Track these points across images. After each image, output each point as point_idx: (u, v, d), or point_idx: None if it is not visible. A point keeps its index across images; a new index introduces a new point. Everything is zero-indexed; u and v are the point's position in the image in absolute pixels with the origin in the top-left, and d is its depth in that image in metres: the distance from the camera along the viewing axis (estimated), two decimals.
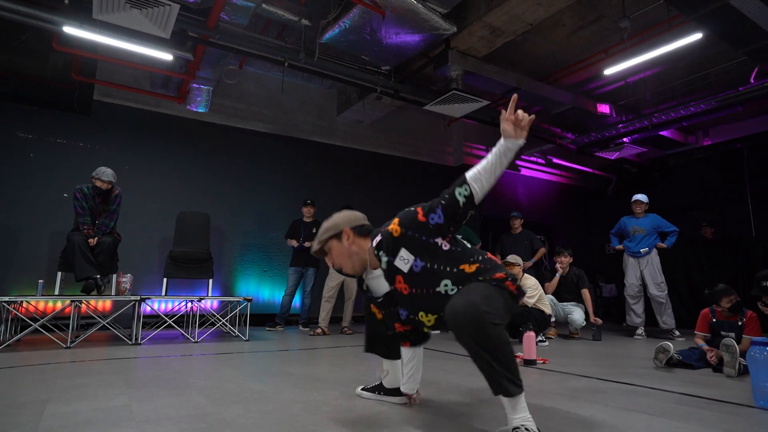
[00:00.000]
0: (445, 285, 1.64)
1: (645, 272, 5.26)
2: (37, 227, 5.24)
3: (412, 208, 1.71)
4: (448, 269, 1.65)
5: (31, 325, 3.82)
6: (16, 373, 2.62)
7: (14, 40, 5.47)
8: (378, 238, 1.75)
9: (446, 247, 1.67)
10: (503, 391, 1.44)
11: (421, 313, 1.73)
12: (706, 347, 3.08)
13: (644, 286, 5.29)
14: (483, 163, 1.63)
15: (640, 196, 5.47)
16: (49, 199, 5.30)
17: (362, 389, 2.15)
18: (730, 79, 6.90)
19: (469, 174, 1.63)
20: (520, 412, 1.45)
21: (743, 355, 2.74)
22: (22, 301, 4.08)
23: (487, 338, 1.43)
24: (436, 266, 1.65)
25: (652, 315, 5.30)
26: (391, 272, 1.72)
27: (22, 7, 4.37)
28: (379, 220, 1.93)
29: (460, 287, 1.62)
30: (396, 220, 1.72)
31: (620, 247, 5.47)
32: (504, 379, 1.43)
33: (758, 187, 8.22)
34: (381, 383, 2.08)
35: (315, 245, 1.86)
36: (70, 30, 4.51)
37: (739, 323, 3.12)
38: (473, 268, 1.64)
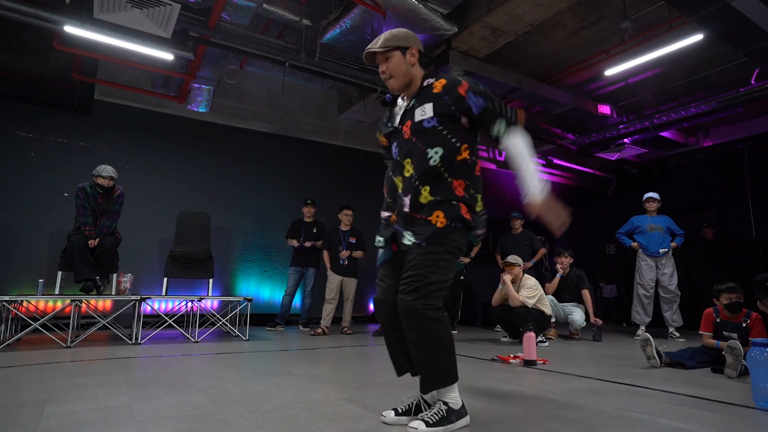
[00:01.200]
0: (435, 152, 1.72)
1: (665, 272, 5.22)
2: (38, 227, 5.24)
3: (461, 78, 1.76)
4: (448, 147, 1.72)
5: (32, 325, 3.82)
6: (16, 372, 2.62)
7: (15, 39, 5.47)
8: (431, 80, 1.81)
9: (459, 142, 1.74)
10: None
11: (407, 160, 1.78)
12: (723, 344, 3.02)
13: (656, 285, 5.27)
14: (527, 157, 1.70)
15: (653, 194, 5.42)
16: (50, 199, 5.31)
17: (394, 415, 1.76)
18: (730, 80, 6.90)
19: (519, 138, 1.71)
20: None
21: (745, 356, 2.74)
22: (22, 301, 4.08)
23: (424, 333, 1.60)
24: (444, 132, 1.73)
25: (655, 314, 5.30)
26: (406, 114, 1.81)
27: (24, 6, 4.38)
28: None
29: (442, 170, 1.71)
30: (443, 80, 1.77)
31: (635, 244, 5.37)
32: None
33: (759, 188, 8.22)
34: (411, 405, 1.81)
35: (379, 46, 1.81)
36: (71, 29, 4.51)
37: (744, 324, 3.11)
38: (460, 191, 1.72)
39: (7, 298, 3.66)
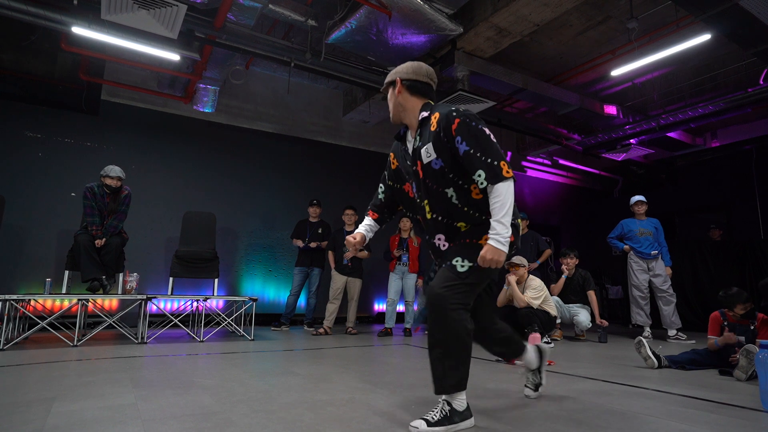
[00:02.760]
0: (452, 193, 1.75)
1: (658, 273, 5.22)
2: (45, 226, 5.28)
3: (453, 112, 1.72)
4: (458, 190, 1.74)
5: (39, 324, 3.85)
6: (24, 370, 2.64)
7: (24, 40, 5.52)
8: (425, 113, 1.81)
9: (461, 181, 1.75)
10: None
11: (425, 201, 1.83)
12: (728, 335, 3.01)
13: (650, 287, 5.27)
14: (499, 215, 1.63)
15: (641, 197, 5.46)
16: (57, 198, 5.34)
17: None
18: (738, 80, 6.84)
19: (497, 197, 1.63)
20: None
21: None
22: (29, 300, 4.11)
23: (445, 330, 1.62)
24: (451, 175, 1.74)
25: (656, 315, 5.28)
26: (416, 155, 1.83)
27: (32, 7, 4.41)
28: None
29: (460, 205, 1.74)
30: (437, 114, 1.77)
31: (628, 248, 5.41)
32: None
33: (767, 189, 8.15)
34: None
35: (384, 85, 1.94)
36: (79, 30, 4.54)
37: (752, 327, 3.08)
38: (475, 219, 1.75)
39: (14, 297, 3.69)
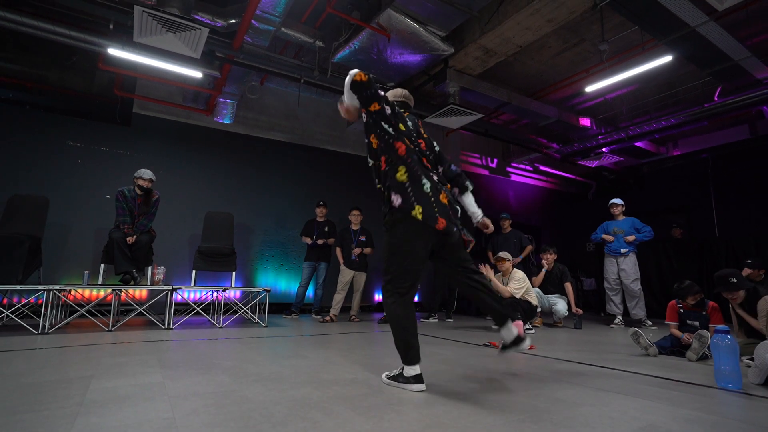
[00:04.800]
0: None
1: (623, 269, 5.23)
2: (84, 224, 5.28)
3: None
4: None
5: (78, 311, 3.86)
6: (66, 352, 2.65)
7: (66, 60, 5.52)
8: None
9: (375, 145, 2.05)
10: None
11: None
12: (687, 336, 2.98)
13: (621, 280, 5.27)
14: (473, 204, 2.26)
15: (616, 200, 5.46)
16: (95, 200, 5.34)
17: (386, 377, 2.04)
18: (696, 96, 6.86)
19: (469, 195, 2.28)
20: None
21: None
22: (70, 290, 4.11)
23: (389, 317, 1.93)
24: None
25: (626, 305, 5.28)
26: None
27: (74, 32, 4.43)
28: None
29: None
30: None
31: (608, 236, 5.36)
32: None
33: (721, 193, 8.17)
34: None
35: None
36: (114, 51, 4.55)
37: (704, 313, 3.10)
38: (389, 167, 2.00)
39: (57, 287, 3.69)
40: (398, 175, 1.91)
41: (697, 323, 3.09)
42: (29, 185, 4.96)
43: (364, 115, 2.04)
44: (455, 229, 1.93)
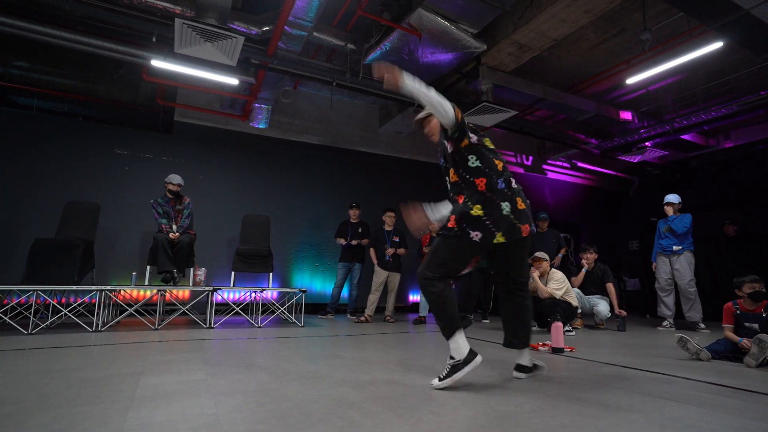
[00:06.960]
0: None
1: (677, 268, 4.95)
2: (131, 228, 5.57)
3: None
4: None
5: (127, 310, 4.07)
6: (117, 349, 2.80)
7: (113, 74, 5.86)
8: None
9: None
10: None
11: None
12: (746, 341, 2.76)
13: (674, 281, 4.99)
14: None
15: (670, 198, 5.14)
16: (141, 205, 5.60)
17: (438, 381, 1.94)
18: (751, 84, 6.42)
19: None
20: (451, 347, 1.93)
21: None
22: (120, 290, 4.34)
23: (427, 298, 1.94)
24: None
25: (680, 308, 5.00)
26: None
27: (120, 46, 4.70)
28: None
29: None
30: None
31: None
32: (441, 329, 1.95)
33: None
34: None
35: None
36: (157, 63, 4.78)
37: (764, 315, 2.88)
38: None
39: (108, 287, 3.91)
40: (474, 211, 1.95)
41: (756, 326, 2.88)
42: (82, 192, 5.27)
43: (449, 146, 2.08)
44: (531, 226, 2.01)
